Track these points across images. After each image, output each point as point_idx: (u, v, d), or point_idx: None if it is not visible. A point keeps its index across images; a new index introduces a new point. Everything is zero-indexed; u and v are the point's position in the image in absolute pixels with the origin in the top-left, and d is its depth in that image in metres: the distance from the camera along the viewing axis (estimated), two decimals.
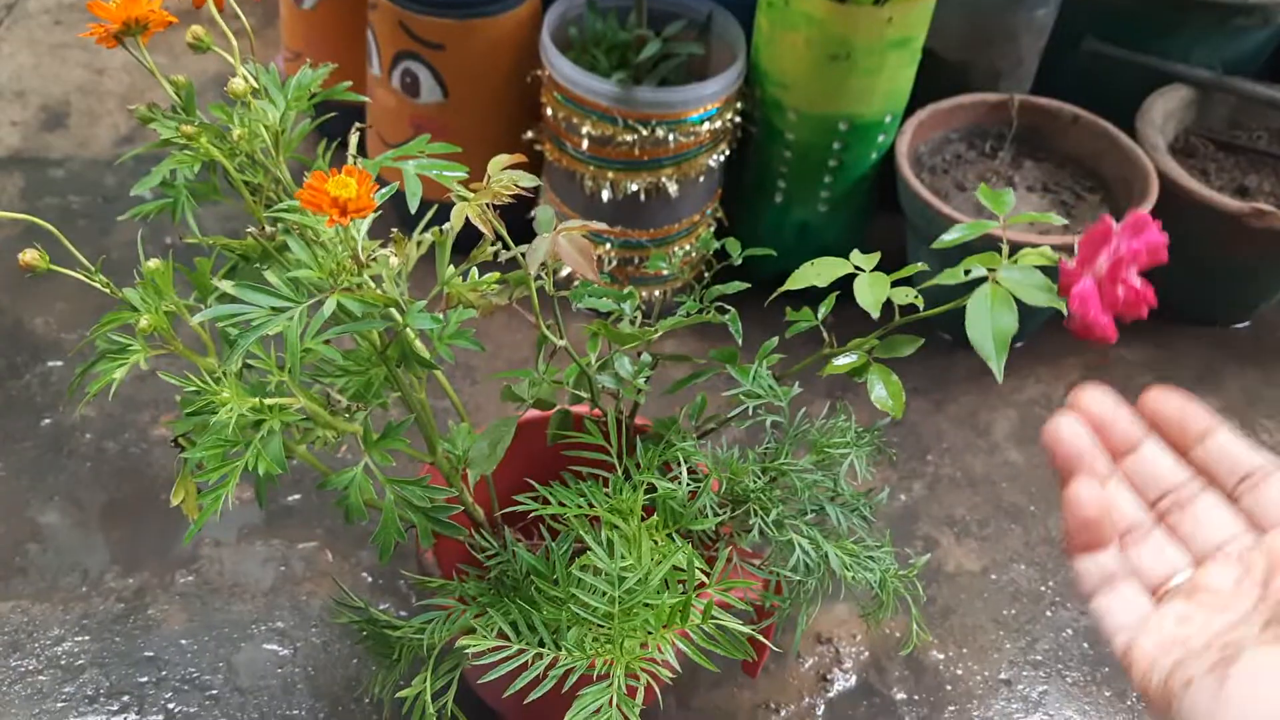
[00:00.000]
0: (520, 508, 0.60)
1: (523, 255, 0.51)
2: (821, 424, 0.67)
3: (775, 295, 0.62)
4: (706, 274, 0.68)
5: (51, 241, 0.51)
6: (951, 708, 0.82)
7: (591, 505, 0.60)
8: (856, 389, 1.02)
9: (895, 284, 0.58)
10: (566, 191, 0.99)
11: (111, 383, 0.51)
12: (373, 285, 0.48)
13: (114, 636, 0.82)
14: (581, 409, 0.68)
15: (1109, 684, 0.84)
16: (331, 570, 0.87)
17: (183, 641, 0.82)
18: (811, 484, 0.65)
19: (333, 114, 0.59)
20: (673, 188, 0.96)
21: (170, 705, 0.79)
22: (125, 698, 0.79)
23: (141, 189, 0.55)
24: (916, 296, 0.58)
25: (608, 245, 1.00)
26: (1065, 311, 0.54)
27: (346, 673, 0.81)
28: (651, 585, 0.56)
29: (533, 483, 0.61)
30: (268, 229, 0.53)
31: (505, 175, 0.49)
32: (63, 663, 0.81)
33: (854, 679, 0.83)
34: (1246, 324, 1.14)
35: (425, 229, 0.55)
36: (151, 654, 0.81)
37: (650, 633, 0.56)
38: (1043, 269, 0.55)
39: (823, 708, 0.82)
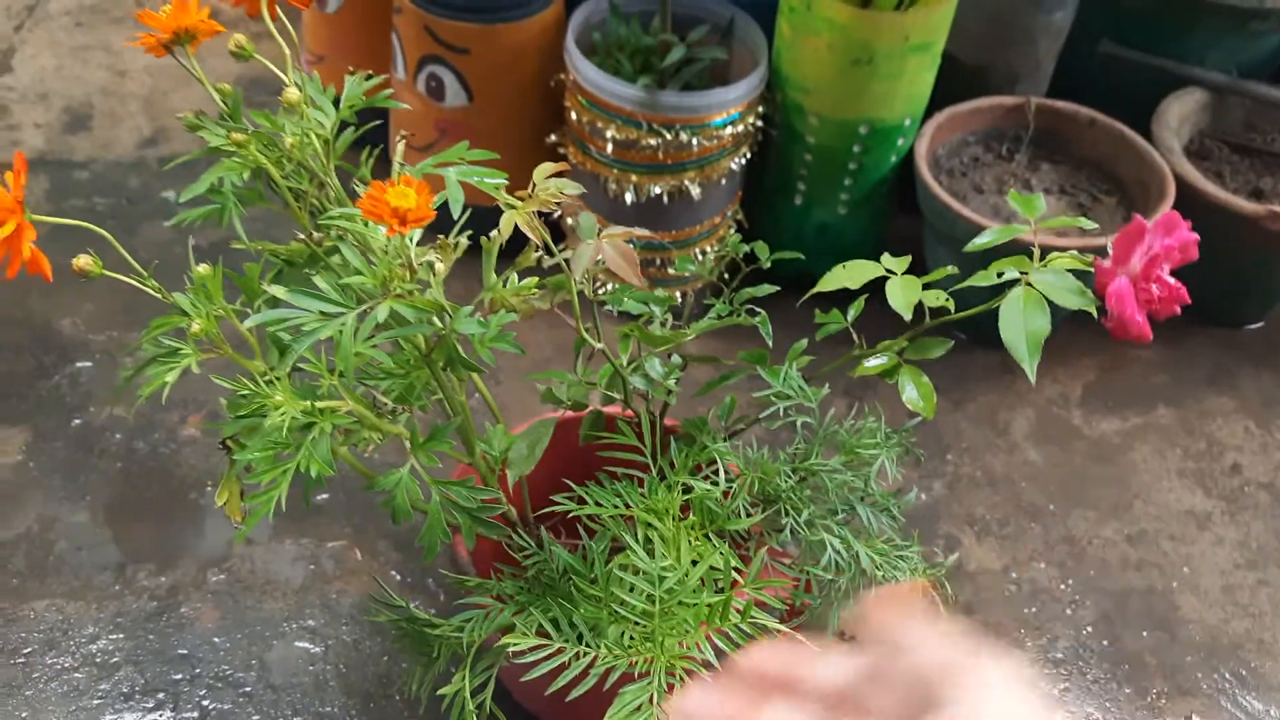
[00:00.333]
0: (557, 508, 0.62)
1: (566, 262, 0.52)
2: (850, 425, 0.68)
3: (807, 297, 0.63)
4: (726, 275, 0.69)
5: (77, 242, 0.52)
6: None
7: (627, 505, 0.61)
8: (876, 389, 1.03)
9: (925, 287, 0.59)
10: (590, 195, 1.00)
11: (164, 386, 0.52)
12: (420, 291, 0.49)
13: (148, 634, 0.83)
14: (613, 410, 0.69)
15: (1129, 681, 0.85)
16: (361, 568, 0.88)
17: (215, 639, 0.83)
18: (842, 484, 0.66)
19: (374, 121, 0.60)
20: (695, 190, 0.97)
21: (205, 702, 0.80)
22: (160, 695, 0.80)
23: (190, 195, 0.56)
24: (948, 299, 0.59)
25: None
26: (1095, 313, 0.56)
27: (378, 670, 0.82)
28: (690, 584, 0.57)
29: (569, 483, 0.62)
30: (315, 235, 0.54)
31: (551, 183, 0.50)
32: (98, 660, 0.82)
33: None
34: (1261, 325, 1.16)
35: (459, 233, 0.56)
36: (185, 652, 0.82)
37: (688, 631, 0.57)
38: (1073, 272, 0.56)
39: None
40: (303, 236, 0.54)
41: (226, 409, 0.56)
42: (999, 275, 0.56)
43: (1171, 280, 0.54)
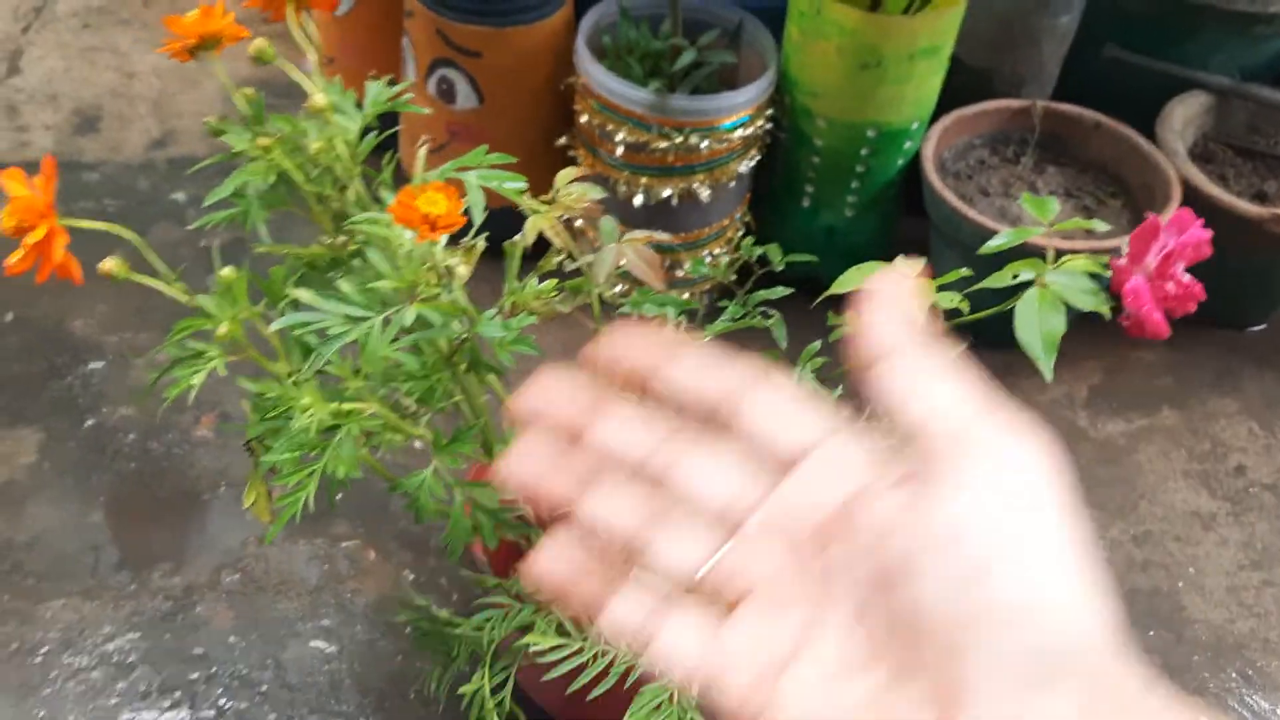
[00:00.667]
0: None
1: (588, 266, 0.53)
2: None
3: (821, 299, 0.63)
4: (734, 277, 0.70)
5: (92, 244, 0.53)
6: None
7: None
8: None
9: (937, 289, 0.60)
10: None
11: (190, 388, 0.53)
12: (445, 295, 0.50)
13: (163, 634, 0.84)
14: None
15: None
16: (375, 569, 0.89)
17: (231, 639, 0.84)
18: None
19: (394, 127, 0.61)
20: (704, 193, 0.98)
21: (221, 702, 0.80)
22: (177, 694, 0.81)
23: (215, 198, 0.56)
24: (962, 301, 0.60)
25: None
26: (1108, 314, 0.56)
27: (392, 669, 0.83)
28: None
29: None
30: (339, 239, 0.55)
31: (574, 188, 0.50)
32: (114, 660, 0.82)
33: None
34: (1264, 326, 1.16)
35: (474, 236, 0.56)
36: (201, 651, 0.83)
37: None
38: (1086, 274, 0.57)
39: None
40: (326, 240, 0.55)
41: (250, 411, 0.57)
42: (1014, 277, 0.57)
43: (1186, 277, 0.55)
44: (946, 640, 0.27)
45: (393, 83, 0.58)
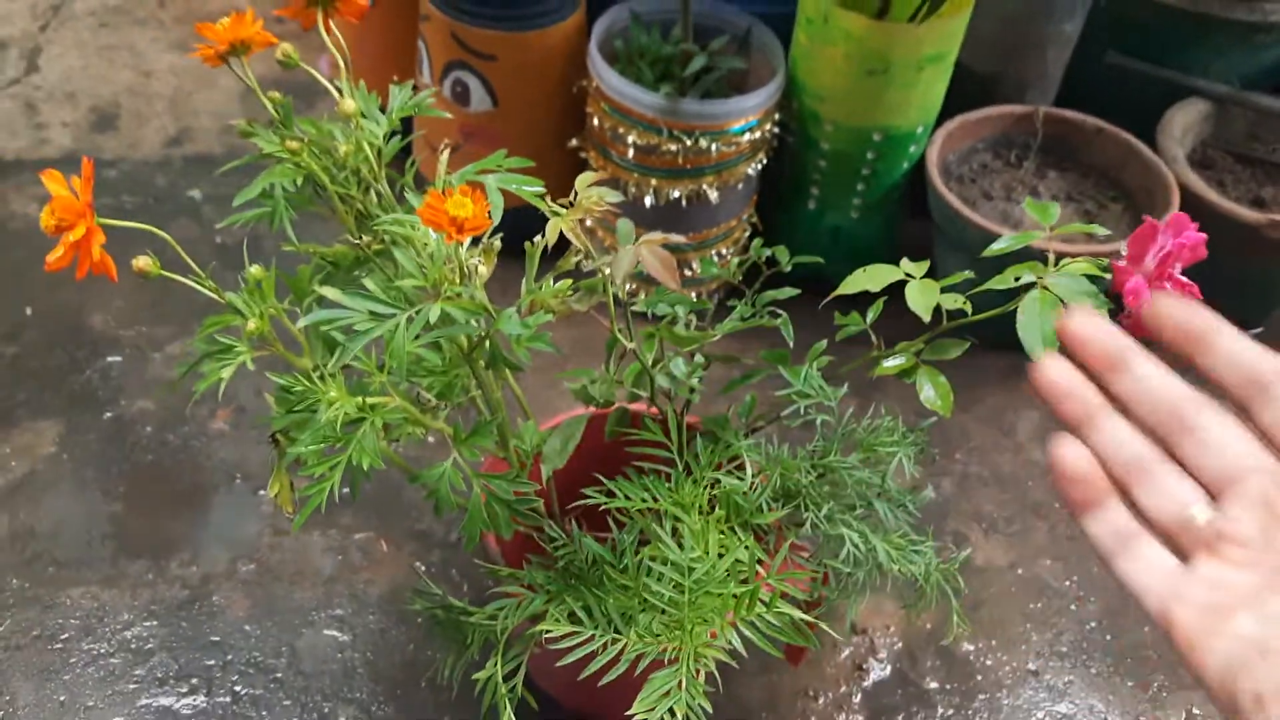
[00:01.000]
0: (587, 501, 0.64)
1: (606, 266, 0.54)
2: (868, 423, 0.71)
3: (829, 299, 0.65)
4: (742, 277, 0.72)
5: (115, 239, 0.54)
6: (982, 696, 0.86)
7: (655, 499, 0.63)
8: (886, 389, 1.06)
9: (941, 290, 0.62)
10: None
11: (220, 381, 0.55)
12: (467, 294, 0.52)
13: (180, 622, 0.86)
14: (638, 407, 0.72)
15: (1132, 675, 0.88)
16: (388, 560, 0.91)
17: (246, 627, 0.86)
18: (860, 480, 0.69)
19: (418, 131, 0.62)
20: (713, 194, 1.00)
21: (237, 688, 0.82)
22: (194, 680, 0.83)
23: (244, 198, 0.58)
24: (965, 302, 0.61)
25: None
26: (1107, 315, 0.58)
27: (404, 658, 0.85)
28: (717, 575, 0.60)
29: (600, 477, 0.64)
30: (364, 238, 0.57)
31: (593, 192, 0.52)
32: (133, 646, 0.84)
33: (889, 669, 0.87)
34: (1261, 329, 1.18)
35: (491, 236, 0.58)
36: (217, 639, 0.85)
37: (715, 619, 0.59)
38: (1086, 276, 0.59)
39: (859, 696, 0.85)
40: (352, 240, 0.56)
41: (275, 404, 0.59)
42: (1016, 279, 0.59)
43: (1184, 278, 0.57)
44: None
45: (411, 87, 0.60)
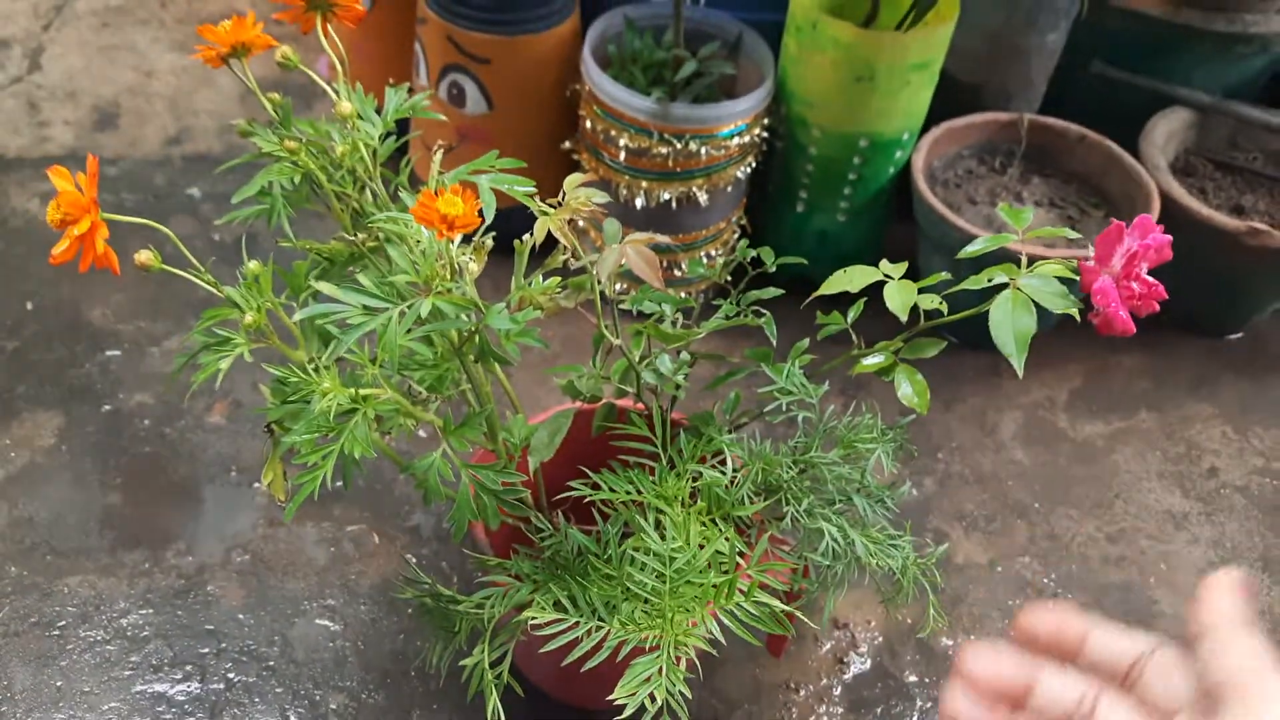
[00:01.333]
0: (573, 493, 0.66)
1: (593, 264, 0.56)
2: (848, 421, 0.73)
3: (811, 299, 0.67)
4: (729, 277, 0.74)
5: (115, 234, 0.56)
6: None
7: (639, 492, 0.65)
8: (870, 387, 1.08)
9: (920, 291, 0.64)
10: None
11: (218, 372, 0.56)
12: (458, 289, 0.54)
13: (176, 610, 0.88)
14: (625, 403, 0.74)
15: None
16: (379, 551, 0.93)
17: (240, 616, 0.88)
18: (839, 476, 0.71)
19: (414, 132, 0.64)
20: (703, 197, 1.02)
21: (230, 675, 0.84)
22: (188, 667, 0.84)
23: (242, 196, 0.60)
24: (941, 303, 0.63)
25: None
26: (1078, 317, 0.60)
27: (394, 647, 0.87)
28: (698, 566, 0.62)
29: (586, 470, 0.66)
30: (359, 235, 0.59)
31: (581, 192, 0.54)
32: (128, 634, 0.86)
33: (869, 662, 0.89)
34: (1240, 335, 1.21)
35: (482, 234, 0.60)
36: (211, 627, 0.87)
37: (695, 608, 0.61)
38: (1058, 278, 0.61)
39: (840, 689, 0.87)
40: (347, 237, 0.58)
41: (270, 395, 0.60)
42: (989, 280, 0.61)
43: (1150, 278, 0.59)
44: None
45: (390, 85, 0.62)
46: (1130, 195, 1.10)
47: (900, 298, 0.63)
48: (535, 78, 1.02)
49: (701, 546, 0.63)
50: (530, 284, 0.62)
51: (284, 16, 0.59)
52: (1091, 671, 0.42)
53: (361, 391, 0.55)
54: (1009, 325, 0.59)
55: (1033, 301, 0.60)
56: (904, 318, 0.62)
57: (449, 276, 0.52)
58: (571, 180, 0.56)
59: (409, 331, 0.53)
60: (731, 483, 0.67)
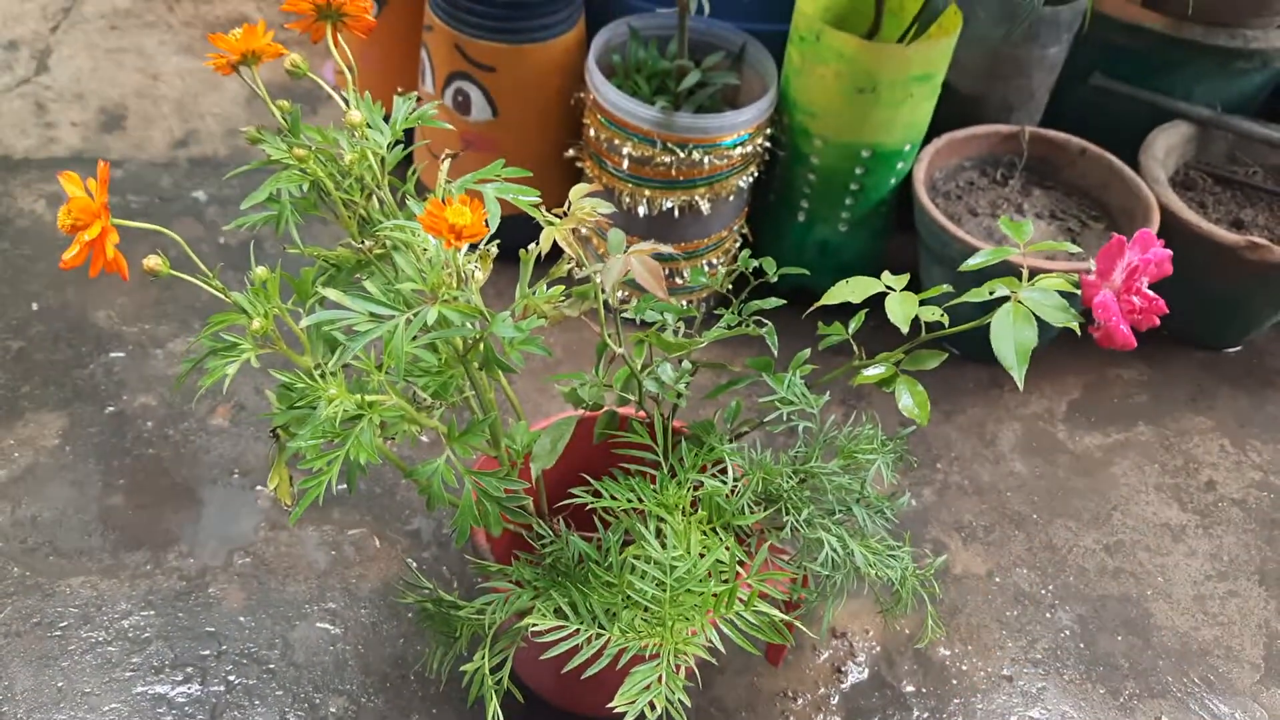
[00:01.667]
0: (574, 500, 0.66)
1: (597, 274, 0.57)
2: (848, 431, 0.74)
3: (812, 309, 0.68)
4: (730, 286, 0.74)
5: (128, 239, 0.57)
6: (956, 700, 0.88)
7: (640, 500, 0.66)
8: (869, 398, 1.08)
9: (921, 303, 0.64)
10: None
11: (224, 377, 0.57)
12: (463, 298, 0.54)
13: (177, 612, 0.88)
14: (626, 410, 0.74)
15: (1103, 682, 0.90)
16: (380, 556, 0.93)
17: (241, 618, 0.88)
18: (839, 486, 0.71)
19: (422, 141, 0.65)
20: (705, 205, 1.02)
21: (231, 677, 0.85)
22: (189, 669, 0.85)
23: (251, 202, 0.60)
24: (942, 315, 0.64)
25: None
26: (1078, 330, 0.61)
27: (394, 651, 0.87)
28: (698, 574, 0.62)
29: (587, 477, 0.67)
30: (366, 243, 0.59)
31: (587, 202, 0.55)
32: (130, 635, 0.86)
33: (866, 671, 0.89)
34: (1239, 348, 1.21)
35: (487, 243, 0.60)
36: (212, 629, 0.87)
37: (695, 617, 0.61)
38: (1059, 292, 0.61)
39: (837, 698, 0.88)
40: (355, 244, 0.59)
41: (276, 400, 0.61)
42: (991, 293, 0.62)
43: (1150, 293, 0.59)
44: None
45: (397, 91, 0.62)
46: (1130, 209, 1.10)
47: (902, 309, 0.64)
48: (540, 86, 1.03)
49: (702, 555, 0.63)
50: (534, 293, 0.63)
51: (296, 26, 0.60)
52: None
53: (367, 398, 0.56)
54: (1010, 338, 0.60)
55: (1034, 314, 0.60)
56: (905, 329, 0.63)
57: (455, 284, 0.53)
58: (578, 190, 0.56)
59: (415, 339, 0.53)
60: (732, 492, 0.68)
